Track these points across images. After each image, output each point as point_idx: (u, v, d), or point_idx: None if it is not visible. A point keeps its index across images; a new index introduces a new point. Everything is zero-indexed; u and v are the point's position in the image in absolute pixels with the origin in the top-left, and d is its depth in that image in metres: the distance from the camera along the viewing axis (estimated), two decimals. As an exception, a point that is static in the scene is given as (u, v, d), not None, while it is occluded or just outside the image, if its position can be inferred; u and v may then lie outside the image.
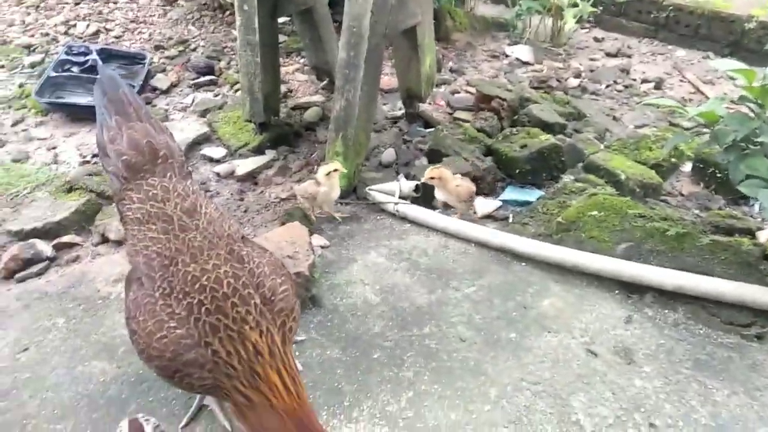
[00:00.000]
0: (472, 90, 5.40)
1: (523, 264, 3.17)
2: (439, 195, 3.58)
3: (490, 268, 3.17)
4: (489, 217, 3.71)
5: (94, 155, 4.35)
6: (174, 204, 2.15)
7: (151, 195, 2.18)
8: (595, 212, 3.21)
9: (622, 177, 3.91)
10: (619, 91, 5.85)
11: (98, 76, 2.46)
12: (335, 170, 3.43)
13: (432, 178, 3.50)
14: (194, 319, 1.88)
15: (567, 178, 4.02)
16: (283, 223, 3.46)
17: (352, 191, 3.91)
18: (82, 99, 4.88)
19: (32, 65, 5.62)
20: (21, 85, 5.30)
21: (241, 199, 3.95)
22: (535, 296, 2.95)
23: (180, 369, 1.88)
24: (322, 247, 3.41)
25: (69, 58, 5.18)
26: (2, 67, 5.65)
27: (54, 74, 4.94)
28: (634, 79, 6.13)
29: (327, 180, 3.44)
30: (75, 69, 5.11)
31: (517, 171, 3.94)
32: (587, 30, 7.43)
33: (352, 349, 2.71)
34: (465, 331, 2.77)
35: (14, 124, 4.77)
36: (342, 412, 2.41)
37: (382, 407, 2.43)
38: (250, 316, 1.90)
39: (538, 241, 3.14)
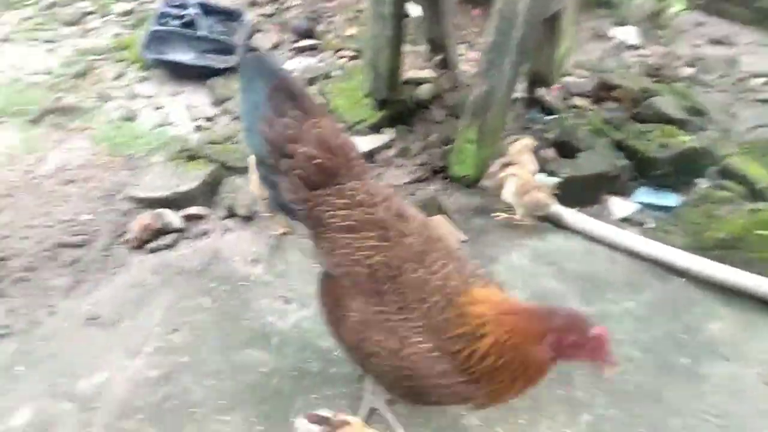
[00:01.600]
0: (584, 73, 5.16)
1: (683, 280, 3.03)
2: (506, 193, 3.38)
3: (646, 281, 3.04)
4: (626, 220, 3.55)
5: (208, 119, 4.22)
6: (383, 209, 2.00)
7: (358, 201, 2.01)
8: (764, 231, 3.05)
9: (760, 185, 3.71)
10: (733, 84, 5.56)
11: (248, 58, 2.23)
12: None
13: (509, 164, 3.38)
14: (433, 327, 1.78)
15: (704, 182, 3.83)
16: (421, 214, 3.34)
17: (481, 179, 3.75)
18: (185, 56, 4.71)
19: (125, 13, 5.44)
20: (116, 35, 5.14)
21: (362, 180, 3.82)
22: (701, 318, 2.83)
23: (437, 383, 1.79)
24: (461, 242, 3.29)
25: (168, 10, 4.98)
26: (94, 13, 5.48)
27: (157, 28, 4.76)
28: (745, 72, 5.82)
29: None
30: (174, 23, 4.92)
31: (656, 173, 3.75)
32: (687, 12, 7.06)
33: (515, 360, 2.62)
34: (632, 351, 2.66)
35: (116, 78, 4.64)
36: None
37: (559, 429, 2.35)
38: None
39: (702, 257, 2.99)
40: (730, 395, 2.49)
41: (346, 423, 1.94)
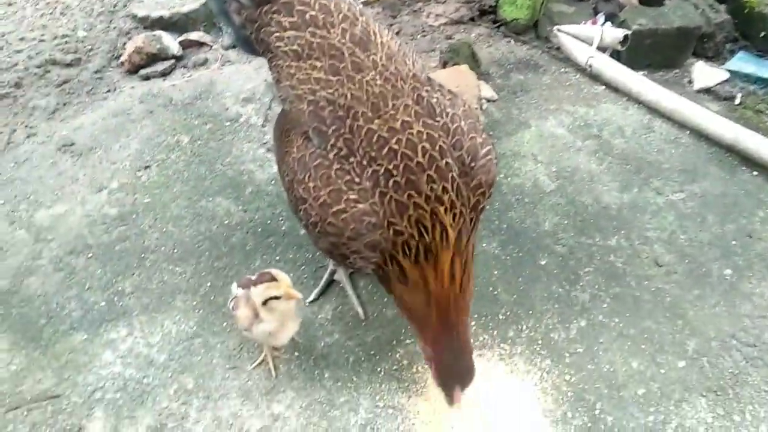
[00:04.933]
0: None
1: (755, 173, 2.41)
2: None
3: (708, 169, 2.43)
4: (708, 92, 2.84)
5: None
6: (341, 31, 1.58)
7: (309, 18, 1.60)
8: None
9: None
10: None
11: None
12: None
13: None
14: (380, 193, 1.45)
15: (828, 52, 2.98)
16: (445, 63, 2.79)
17: (533, 26, 3.09)
18: None
19: None
20: None
21: (393, 17, 3.25)
22: (764, 222, 2.25)
23: (358, 250, 1.50)
24: (488, 101, 2.75)
25: None
26: None
27: None
28: None
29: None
30: None
31: (762, 34, 2.92)
32: None
33: (514, 247, 2.21)
34: (663, 253, 2.17)
35: None
36: (495, 327, 1.99)
37: (545, 332, 1.97)
38: (446, 195, 1.46)
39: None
40: (773, 323, 2.00)
41: (272, 279, 1.68)
